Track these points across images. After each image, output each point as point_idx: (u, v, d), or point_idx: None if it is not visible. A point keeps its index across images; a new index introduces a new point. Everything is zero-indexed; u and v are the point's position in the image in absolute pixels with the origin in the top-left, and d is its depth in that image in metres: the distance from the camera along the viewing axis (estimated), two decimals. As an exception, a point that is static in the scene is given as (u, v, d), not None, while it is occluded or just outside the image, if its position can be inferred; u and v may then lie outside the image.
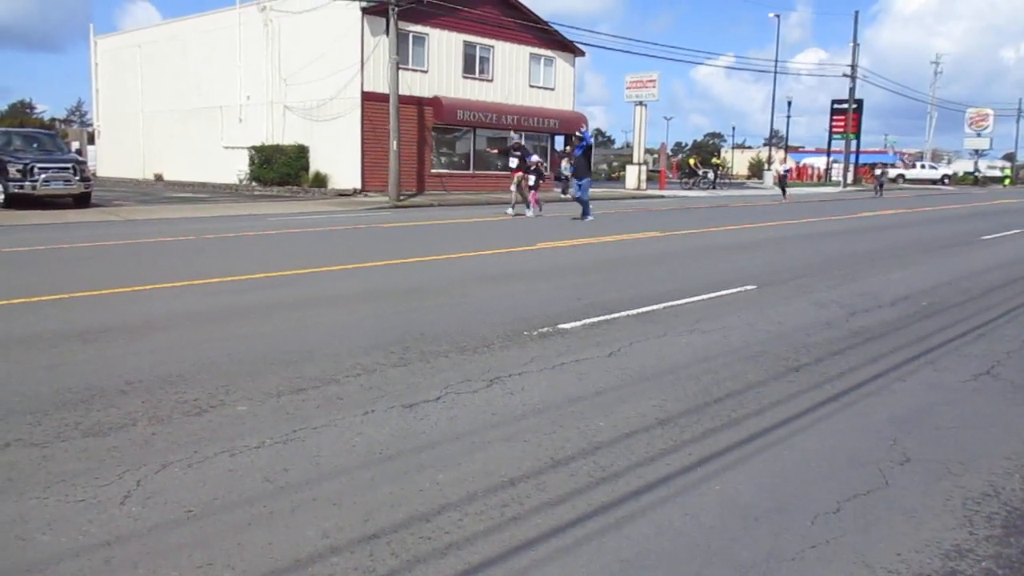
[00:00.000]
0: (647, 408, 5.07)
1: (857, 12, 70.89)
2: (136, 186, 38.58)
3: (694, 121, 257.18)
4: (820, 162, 75.19)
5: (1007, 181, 73.80)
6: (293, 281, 9.96)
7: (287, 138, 34.07)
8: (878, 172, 48.81)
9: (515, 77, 37.76)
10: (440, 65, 34.32)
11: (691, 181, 49.52)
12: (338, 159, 32.41)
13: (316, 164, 33.37)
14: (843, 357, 6.50)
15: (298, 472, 3.95)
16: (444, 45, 34.40)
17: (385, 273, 10.92)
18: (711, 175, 50.41)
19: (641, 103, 43.89)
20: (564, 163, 36.24)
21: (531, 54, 38.27)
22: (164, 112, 40.50)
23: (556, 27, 38.47)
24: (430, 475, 3.95)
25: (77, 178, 22.08)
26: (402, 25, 29.71)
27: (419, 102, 33.07)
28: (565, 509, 3.60)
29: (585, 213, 20.95)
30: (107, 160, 44.83)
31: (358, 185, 31.88)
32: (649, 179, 47.09)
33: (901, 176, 71.17)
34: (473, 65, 35.91)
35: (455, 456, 4.20)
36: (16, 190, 20.98)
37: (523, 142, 24.14)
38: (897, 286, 10.25)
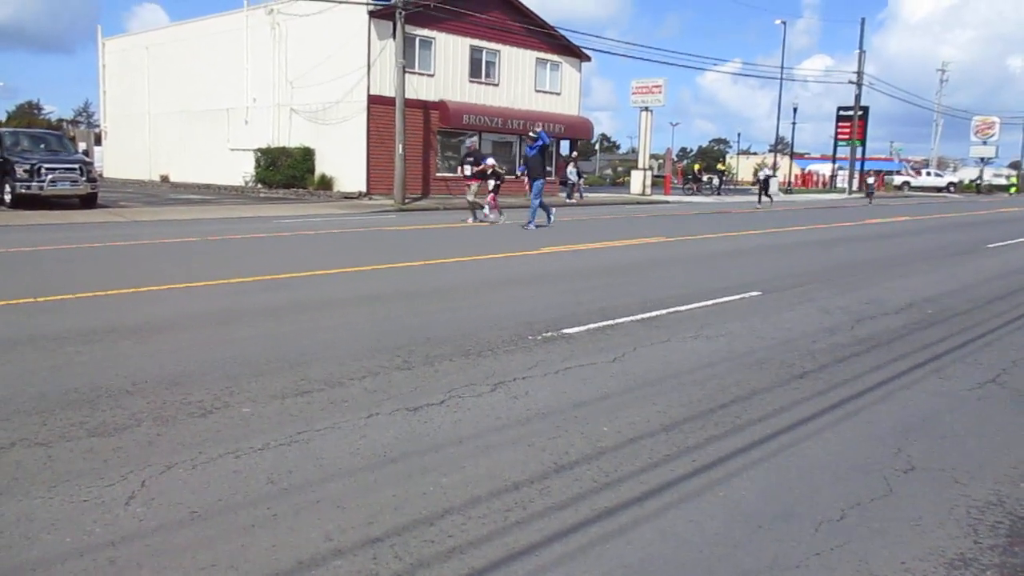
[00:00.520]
0: (651, 414, 5.07)
1: (863, 19, 70.97)
2: (142, 187, 38.68)
3: (700, 127, 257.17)
4: (826, 169, 75.09)
5: (1013, 189, 73.64)
6: (298, 283, 9.97)
7: (293, 141, 34.14)
8: (870, 180, 48.12)
9: (521, 82, 37.81)
10: (446, 69, 34.38)
11: (695, 187, 49.51)
12: (344, 162, 32.46)
13: (322, 167, 33.43)
14: (848, 364, 6.49)
15: (302, 474, 3.95)
16: (451, 49, 34.46)
17: (389, 276, 10.93)
18: (716, 181, 50.39)
19: (647, 109, 43.90)
20: (570, 168, 36.28)
21: (537, 59, 38.31)
22: (171, 113, 40.62)
23: (562, 32, 38.59)
24: (434, 478, 3.95)
25: (84, 179, 22.14)
26: (409, 29, 29.77)
27: (425, 106, 33.13)
28: (569, 514, 3.60)
29: (538, 217, 19.31)
30: (114, 161, 44.98)
31: (363, 188, 31.93)
32: (654, 184, 47.06)
33: (906, 183, 71.04)
34: (479, 69, 35.96)
35: (459, 460, 4.20)
36: (23, 190, 21.05)
37: (477, 146, 22.39)
38: (902, 293, 10.23)
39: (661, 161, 62.57)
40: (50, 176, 21.29)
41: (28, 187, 21.07)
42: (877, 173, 53.61)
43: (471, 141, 22.91)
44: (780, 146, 68.09)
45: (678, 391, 5.59)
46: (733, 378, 5.95)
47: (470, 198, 21.36)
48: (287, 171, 33.52)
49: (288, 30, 33.99)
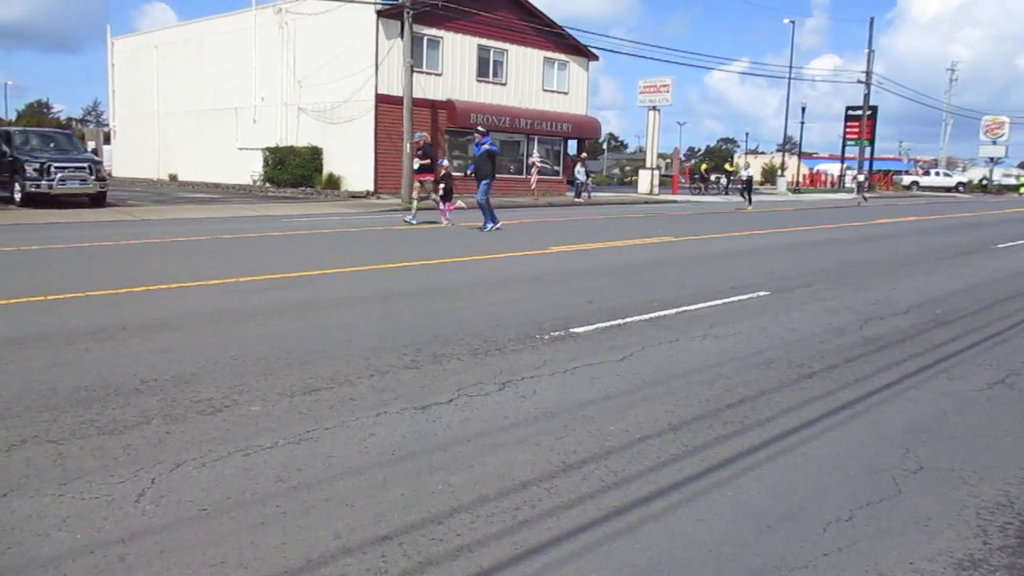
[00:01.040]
0: (659, 413, 5.07)
1: (872, 18, 70.78)
2: (151, 186, 38.82)
3: (708, 126, 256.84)
4: (834, 168, 74.87)
5: (1023, 189, 73.29)
6: (306, 282, 10.00)
7: (301, 140, 34.21)
8: (861, 178, 44.69)
9: (529, 81, 37.82)
10: (454, 68, 34.41)
11: (703, 186, 49.43)
12: (351, 161, 32.51)
13: (329, 166, 33.49)
14: (856, 364, 6.48)
15: (311, 472, 3.97)
16: (458, 48, 34.49)
17: (397, 275, 10.95)
18: (723, 180, 50.31)
19: (654, 108, 43.86)
20: (578, 167, 36.26)
21: (545, 58, 38.31)
22: (179, 113, 40.75)
23: (570, 31, 38.53)
24: (442, 477, 3.96)
25: (93, 177, 22.24)
26: (417, 28, 29.79)
27: (433, 105, 33.16)
28: (577, 513, 3.61)
29: (487, 220, 18.12)
30: (122, 160, 45.14)
31: (371, 187, 31.98)
32: (661, 184, 47.02)
33: (915, 183, 70.77)
34: (487, 69, 35.98)
35: (467, 458, 4.21)
36: (33, 189, 21.15)
37: (428, 141, 20.72)
38: (911, 294, 10.20)
39: (668, 160, 62.52)
40: (60, 175, 21.39)
41: (38, 186, 21.17)
42: (864, 171, 50.36)
43: (421, 135, 21.06)
44: (788, 146, 67.93)
45: (686, 391, 5.58)
46: (741, 378, 5.95)
47: (414, 194, 20.32)
48: (295, 170, 33.59)
49: (296, 29, 34.06)
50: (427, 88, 32.44)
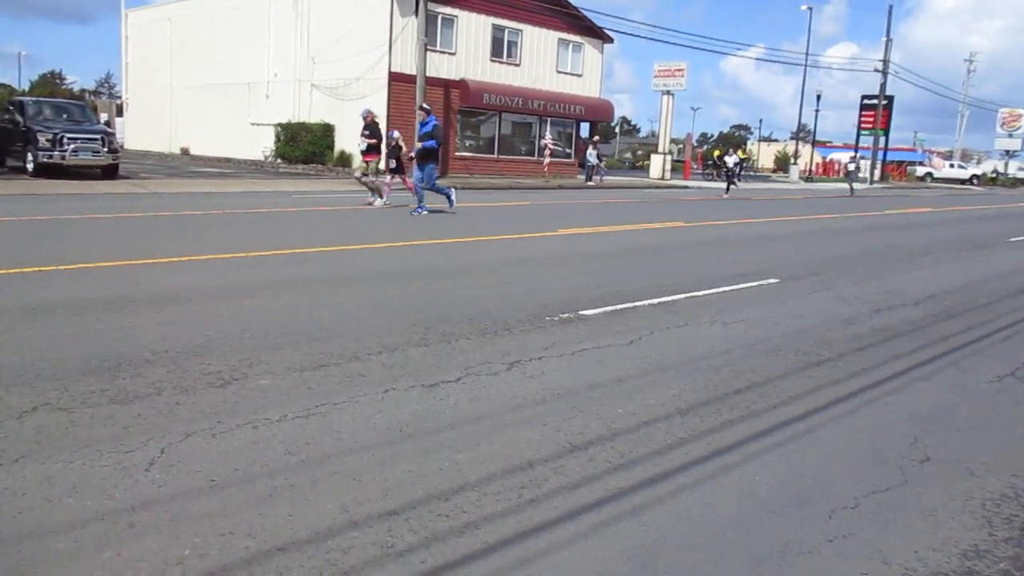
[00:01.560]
0: (667, 397, 5.07)
1: (891, 6, 69.98)
2: (162, 159, 38.84)
3: (721, 112, 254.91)
4: (847, 158, 74.41)
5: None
6: (316, 258, 10.02)
7: (313, 116, 34.14)
8: (852, 167, 40.78)
9: (543, 62, 37.60)
10: (468, 48, 34.24)
11: (715, 172, 49.20)
12: (363, 139, 32.41)
13: (341, 143, 33.43)
14: (865, 354, 6.46)
15: (319, 446, 3.99)
16: (473, 27, 34.29)
17: (408, 254, 10.95)
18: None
19: (668, 92, 43.62)
20: (590, 150, 36.13)
21: (559, 39, 38.07)
22: (192, 86, 40.69)
23: (586, 13, 38.26)
24: (449, 454, 3.98)
25: (105, 149, 22.24)
26: (431, 6, 29.64)
27: (446, 84, 33.02)
28: (583, 493, 3.62)
29: (443, 195, 17.45)
30: (135, 133, 45.16)
31: (382, 166, 31.90)
32: (673, 169, 46.82)
33: (929, 175, 70.27)
34: (501, 49, 35.78)
35: (474, 437, 4.23)
36: (45, 159, 21.17)
37: (375, 118, 19.48)
38: (921, 285, 10.16)
39: (681, 146, 62.22)
40: (72, 146, 21.40)
41: (50, 156, 21.19)
42: (855, 159, 45.94)
43: (367, 111, 19.59)
44: (802, 134, 67.53)
45: (694, 375, 5.59)
46: (749, 364, 5.94)
47: (360, 174, 19.14)
48: (307, 147, 33.56)
49: (311, 5, 33.91)
50: (440, 67, 32.29)
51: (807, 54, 56.02)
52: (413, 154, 17.79)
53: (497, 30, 35.39)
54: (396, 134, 19.07)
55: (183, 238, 11.37)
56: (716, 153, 53.27)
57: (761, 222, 19.44)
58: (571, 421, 4.54)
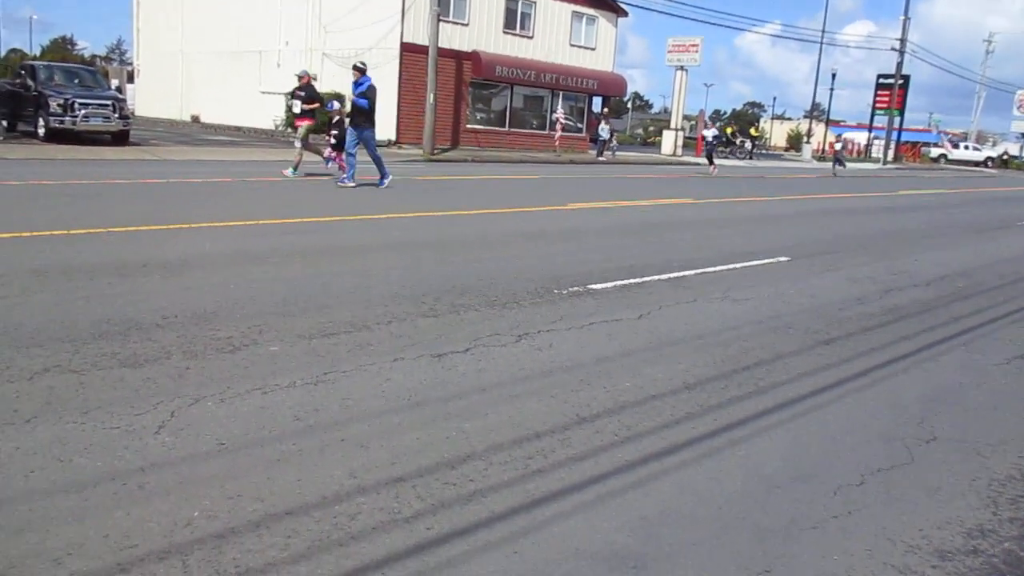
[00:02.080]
0: (675, 372, 5.07)
1: (911, -16, 68.87)
2: (173, 126, 38.77)
3: (735, 89, 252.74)
4: (861, 137, 73.76)
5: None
6: (325, 228, 10.02)
7: (324, 86, 33.96)
8: (838, 146, 38.71)
9: (556, 35, 37.26)
10: (481, 19, 33.93)
11: (727, 150, 48.87)
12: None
13: (352, 113, 33.28)
14: (875, 333, 6.45)
15: (328, 413, 4.01)
16: (486, -2, 33.98)
17: (416, 225, 10.94)
18: (748, 145, 49.69)
19: (682, 68, 43.19)
20: (602, 125, 35.89)
21: (573, 12, 37.69)
22: (203, 54, 40.49)
23: (600, -15, 37.82)
24: (457, 424, 4.00)
25: (116, 115, 22.19)
26: (445, -24, 29.34)
27: (458, 56, 32.77)
28: (589, 465, 3.64)
29: (383, 176, 15.64)
30: (145, 99, 45.02)
31: (393, 137, 31.80)
32: (685, 146, 46.51)
33: (943, 156, 69.68)
34: (514, 21, 35.45)
35: (482, 407, 4.24)
36: (56, 124, 21.15)
37: (311, 80, 17.69)
38: (933, 266, 10.11)
39: (693, 123, 61.76)
40: (83, 111, 21.35)
41: (61, 121, 21.17)
42: (840, 138, 41.93)
43: (304, 71, 17.93)
44: (816, 112, 66.94)
45: (702, 351, 5.58)
46: (758, 341, 5.94)
47: (297, 144, 17.18)
48: (320, 116, 33.39)
49: (323, -27, 33.64)
50: (453, 38, 32.04)
51: (823, 31, 55.50)
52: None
53: (511, 1, 35.05)
54: (336, 105, 17.65)
55: (193, 205, 11.38)
56: (729, 131, 52.92)
57: (772, 200, 19.33)
58: (578, 393, 4.55)
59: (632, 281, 7.74)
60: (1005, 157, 70.03)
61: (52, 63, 30.32)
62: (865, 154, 67.87)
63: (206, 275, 6.88)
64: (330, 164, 16.99)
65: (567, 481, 3.46)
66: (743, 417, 4.38)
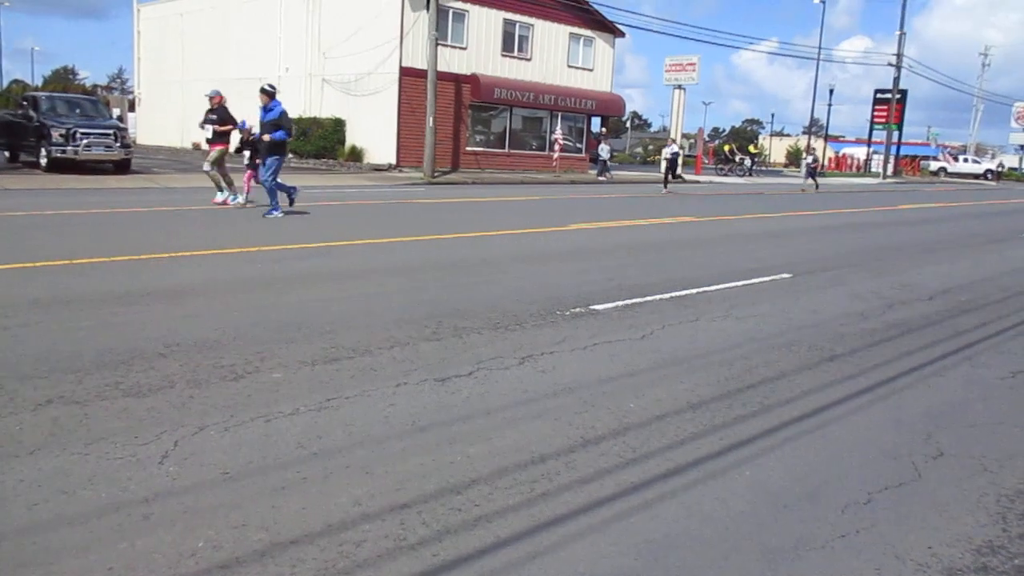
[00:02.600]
0: (679, 391, 5.06)
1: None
2: (174, 154, 38.95)
3: (733, 107, 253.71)
4: (860, 152, 73.95)
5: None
6: (327, 253, 10.04)
7: (324, 111, 34.16)
8: (810, 160, 35.75)
9: (554, 56, 37.49)
10: (479, 42, 34.17)
11: (726, 167, 49.02)
12: (374, 134, 32.44)
13: (352, 138, 33.45)
14: (879, 349, 6.43)
15: (331, 440, 4.00)
16: (484, 22, 34.22)
17: (418, 248, 10.96)
18: (747, 162, 49.87)
19: (680, 87, 43.43)
20: (602, 145, 36.02)
21: (571, 33, 37.95)
22: (204, 81, 40.61)
23: (597, 7, 38.08)
24: (461, 448, 3.98)
25: (118, 144, 22.34)
26: (442, 1, 29.58)
27: (457, 79, 32.97)
28: (594, 488, 3.62)
29: (273, 205, 14.04)
30: (147, 128, 45.30)
31: (393, 160, 31.94)
32: (685, 164, 46.63)
33: (943, 169, 69.79)
34: (512, 43, 35.69)
35: (486, 431, 4.23)
36: (59, 154, 21.28)
37: (223, 101, 17.24)
38: (935, 280, 10.10)
39: (692, 140, 62.00)
40: (85, 141, 21.49)
41: (63, 151, 21.30)
42: (813, 151, 39.64)
43: (215, 92, 17.40)
44: (814, 128, 67.15)
45: (706, 370, 5.57)
46: (761, 359, 5.93)
47: (207, 168, 16.28)
48: (318, 142, 33.58)
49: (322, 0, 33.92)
50: (451, 62, 32.25)
51: (820, 48, 55.65)
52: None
53: (508, 24, 35.30)
54: (248, 124, 16.70)
55: (195, 233, 11.42)
56: (727, 148, 53.08)
57: (772, 217, 19.36)
58: (583, 416, 4.54)
59: (634, 301, 7.74)
60: (1000, 169, 70.09)
61: (54, 93, 30.51)
62: (865, 169, 68.01)
63: (208, 302, 6.89)
64: (237, 197, 16.00)
65: (573, 505, 3.45)
66: (748, 436, 4.37)
